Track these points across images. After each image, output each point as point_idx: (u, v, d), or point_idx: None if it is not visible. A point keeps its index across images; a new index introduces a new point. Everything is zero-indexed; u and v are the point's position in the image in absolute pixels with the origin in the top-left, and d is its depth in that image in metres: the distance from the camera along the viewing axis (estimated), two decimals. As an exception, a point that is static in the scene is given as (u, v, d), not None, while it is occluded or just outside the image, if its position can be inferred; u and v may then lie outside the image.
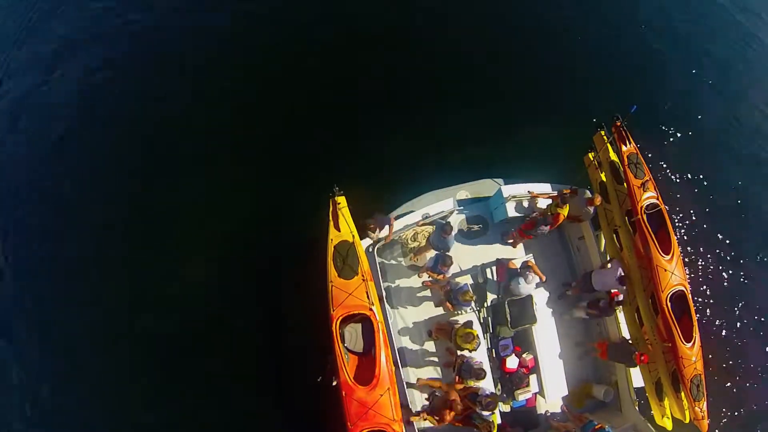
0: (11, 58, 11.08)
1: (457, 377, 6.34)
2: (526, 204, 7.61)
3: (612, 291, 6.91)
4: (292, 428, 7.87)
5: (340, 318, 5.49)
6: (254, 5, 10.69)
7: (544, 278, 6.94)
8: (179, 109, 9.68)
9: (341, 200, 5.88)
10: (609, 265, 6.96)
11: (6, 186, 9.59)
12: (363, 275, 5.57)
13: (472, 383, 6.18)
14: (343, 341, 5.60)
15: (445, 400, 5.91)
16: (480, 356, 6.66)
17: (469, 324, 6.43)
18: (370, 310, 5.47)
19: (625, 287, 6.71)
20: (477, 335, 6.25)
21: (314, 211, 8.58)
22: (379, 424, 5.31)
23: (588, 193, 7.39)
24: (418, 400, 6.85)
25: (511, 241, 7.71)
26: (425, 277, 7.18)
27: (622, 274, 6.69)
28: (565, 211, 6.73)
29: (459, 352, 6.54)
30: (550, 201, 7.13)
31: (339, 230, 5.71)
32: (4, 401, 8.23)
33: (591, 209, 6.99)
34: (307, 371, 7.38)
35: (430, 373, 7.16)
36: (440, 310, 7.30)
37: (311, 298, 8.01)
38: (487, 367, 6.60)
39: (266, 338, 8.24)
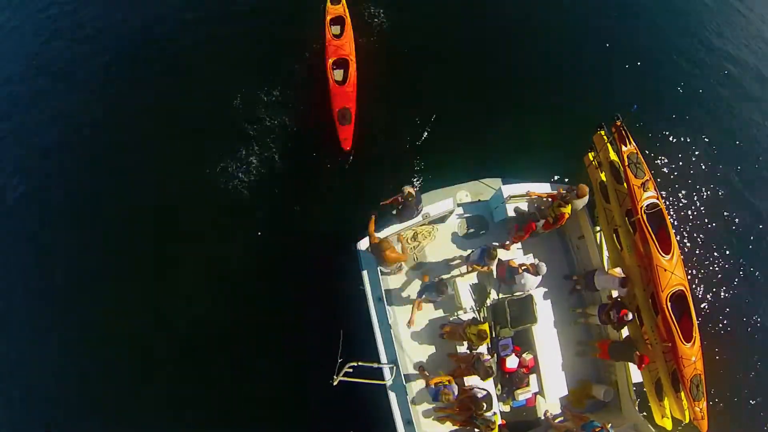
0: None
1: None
2: (526, 204, 7.60)
3: (622, 309, 6.86)
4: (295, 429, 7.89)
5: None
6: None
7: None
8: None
9: None
10: (605, 267, 7.00)
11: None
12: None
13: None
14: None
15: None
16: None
17: (484, 321, 6.49)
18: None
19: (626, 288, 6.72)
20: (489, 331, 6.29)
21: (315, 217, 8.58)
22: (344, 54, 8.96)
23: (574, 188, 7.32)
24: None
25: (511, 241, 7.68)
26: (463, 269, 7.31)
27: (623, 275, 6.71)
28: (568, 210, 6.75)
29: (469, 350, 6.60)
30: (549, 203, 7.09)
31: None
32: (7, 403, 8.26)
33: (582, 201, 6.97)
34: (308, 373, 7.42)
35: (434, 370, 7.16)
36: (441, 312, 7.30)
37: (313, 301, 8.11)
38: (493, 366, 6.61)
39: (266, 338, 8.24)
